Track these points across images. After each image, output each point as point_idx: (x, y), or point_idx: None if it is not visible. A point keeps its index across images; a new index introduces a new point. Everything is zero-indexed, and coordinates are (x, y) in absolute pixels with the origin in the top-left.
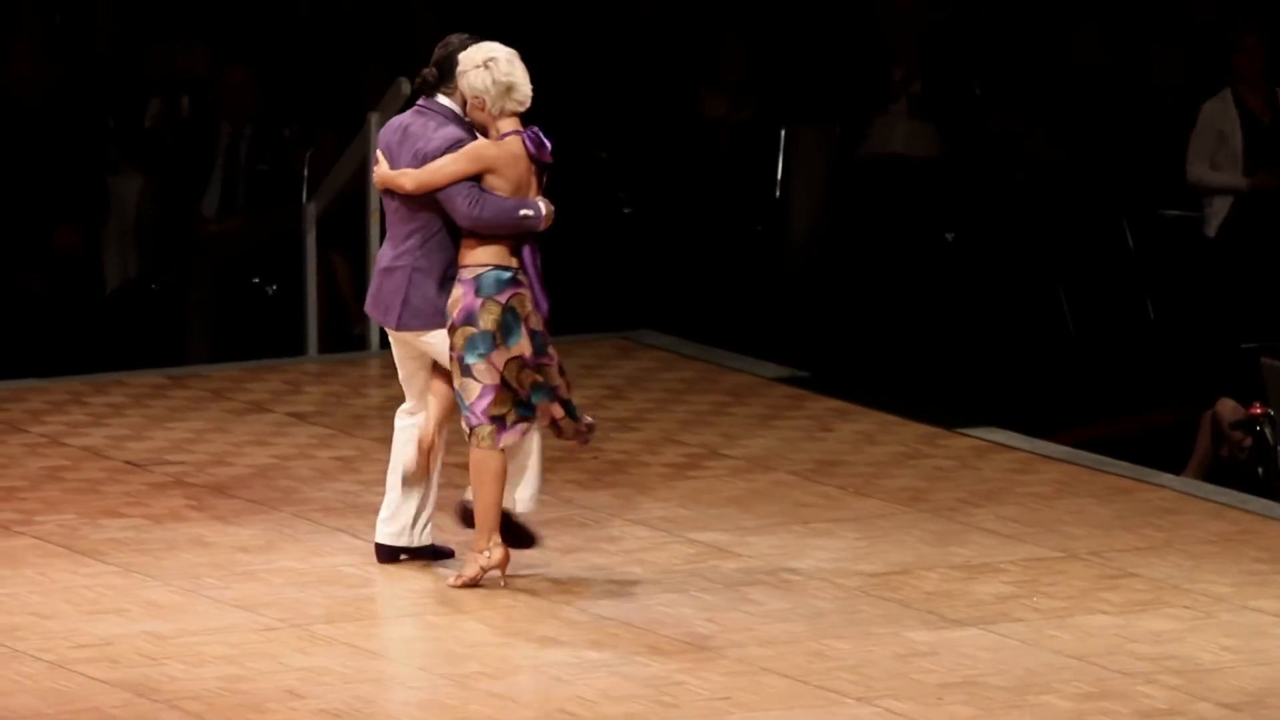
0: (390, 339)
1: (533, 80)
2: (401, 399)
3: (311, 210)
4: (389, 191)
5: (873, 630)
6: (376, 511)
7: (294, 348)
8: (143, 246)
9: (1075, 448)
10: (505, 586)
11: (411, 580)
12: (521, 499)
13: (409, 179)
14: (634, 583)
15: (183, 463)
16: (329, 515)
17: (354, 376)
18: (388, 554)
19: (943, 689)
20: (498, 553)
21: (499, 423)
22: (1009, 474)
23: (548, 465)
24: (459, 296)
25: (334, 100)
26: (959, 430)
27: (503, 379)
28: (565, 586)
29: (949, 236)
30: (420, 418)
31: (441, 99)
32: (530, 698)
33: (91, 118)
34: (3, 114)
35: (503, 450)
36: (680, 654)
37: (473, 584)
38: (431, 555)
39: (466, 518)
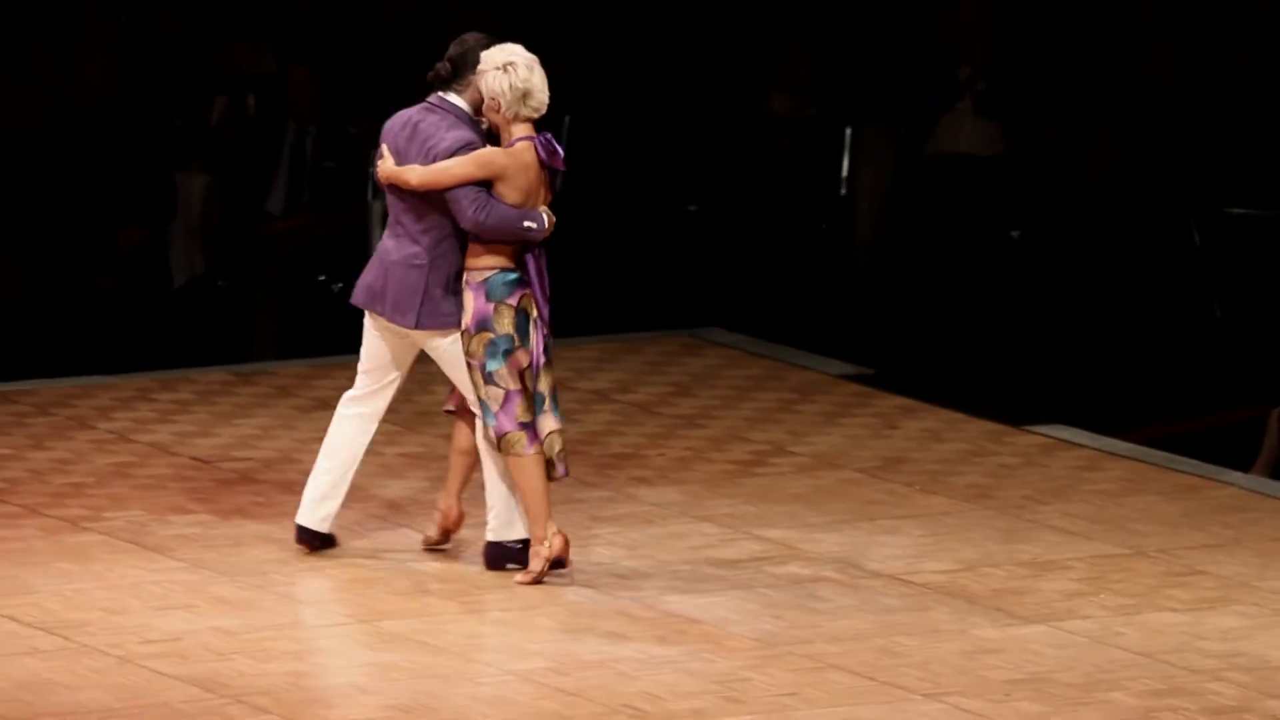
0: (377, 330)
1: (601, 78)
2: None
3: (376, 207)
4: (394, 187)
5: (940, 627)
6: None
7: (359, 344)
8: (209, 244)
9: (1142, 445)
10: (573, 581)
11: (478, 576)
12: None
13: (415, 176)
14: (701, 579)
15: (249, 459)
16: (395, 512)
17: (419, 373)
18: (312, 538)
19: (1010, 686)
20: (557, 542)
21: (528, 429)
22: (1076, 471)
23: (614, 463)
24: (469, 302)
25: (398, 98)
26: (1025, 427)
27: (522, 381)
28: (632, 583)
29: (1014, 234)
30: (371, 407)
31: (452, 97)
32: (597, 693)
33: (158, 116)
34: (70, 113)
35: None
36: (747, 650)
37: (539, 579)
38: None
39: (495, 559)
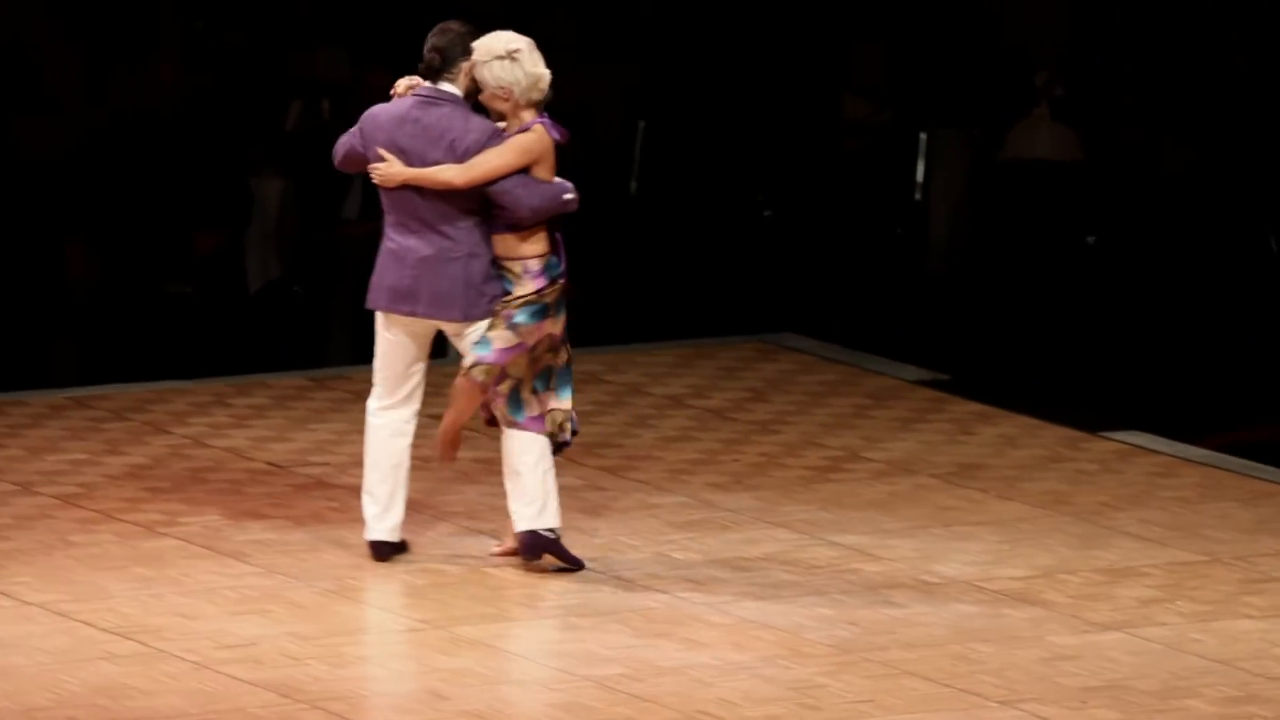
0: (399, 331)
1: (679, 86)
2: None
3: None
4: (409, 185)
5: (1016, 634)
6: None
7: (434, 349)
8: (284, 249)
9: (1218, 451)
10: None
11: (553, 582)
12: (526, 515)
13: (457, 175)
14: (775, 585)
15: (325, 464)
16: (470, 517)
17: None
18: (387, 550)
19: (1086, 693)
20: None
21: (506, 381)
22: (1152, 478)
23: (688, 468)
24: (530, 285)
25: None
26: (1101, 434)
27: (534, 347)
28: (707, 589)
29: (1090, 240)
30: (407, 409)
31: (447, 86)
32: (672, 700)
33: (233, 122)
34: (146, 118)
35: (483, 393)
36: (822, 657)
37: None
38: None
39: (532, 548)
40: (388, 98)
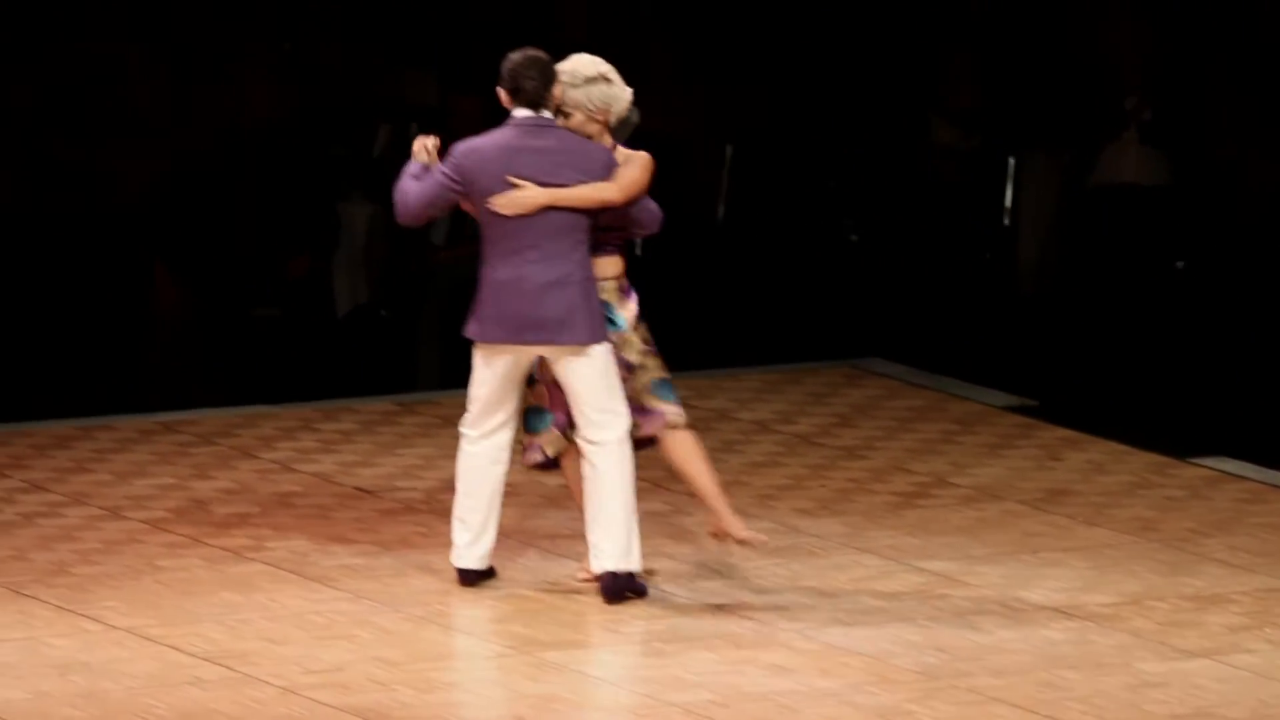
0: (509, 360)
1: (766, 109)
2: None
3: None
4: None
5: (1103, 660)
6: None
7: None
8: (372, 273)
9: None
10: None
11: (640, 607)
12: (610, 554)
13: (618, 192)
14: (862, 611)
15: (412, 489)
16: (556, 542)
17: None
18: (475, 577)
19: None
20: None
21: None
22: (1240, 504)
23: (774, 494)
24: (632, 304)
25: None
26: (1190, 460)
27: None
28: (794, 614)
29: (1179, 264)
30: (503, 437)
31: (546, 114)
32: None
33: (321, 146)
34: (235, 142)
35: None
36: (909, 683)
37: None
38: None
39: (614, 590)
40: (470, 130)
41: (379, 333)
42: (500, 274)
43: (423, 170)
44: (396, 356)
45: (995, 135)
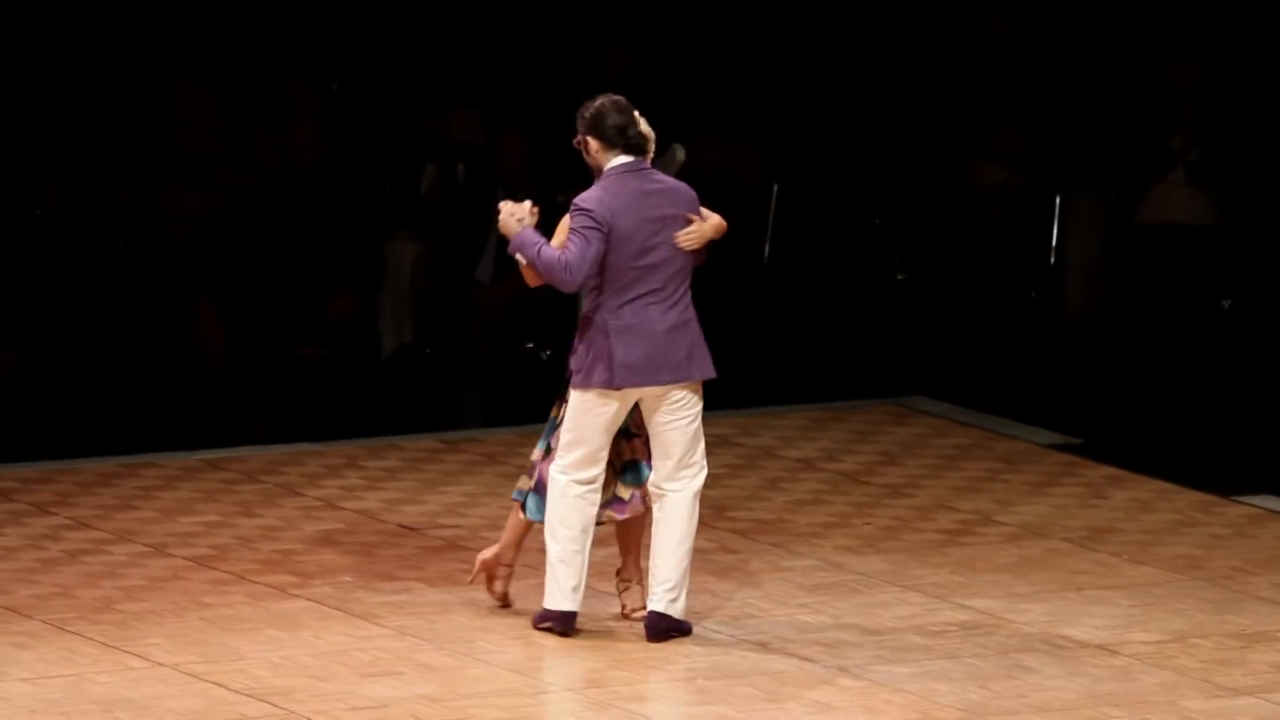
0: (623, 403)
1: (812, 148)
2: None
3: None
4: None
5: (1148, 698)
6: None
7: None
8: (417, 312)
9: None
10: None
11: (684, 644)
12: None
13: (721, 222)
14: (906, 649)
15: (457, 526)
16: (601, 579)
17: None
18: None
19: None
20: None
21: None
22: None
23: (819, 531)
24: None
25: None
26: (1235, 498)
27: None
28: (838, 652)
29: (1226, 304)
30: (597, 477)
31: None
32: None
33: (367, 185)
34: (281, 181)
35: None
36: None
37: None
38: None
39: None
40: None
41: (424, 371)
42: (624, 320)
43: (541, 235)
44: (441, 394)
45: (1041, 174)
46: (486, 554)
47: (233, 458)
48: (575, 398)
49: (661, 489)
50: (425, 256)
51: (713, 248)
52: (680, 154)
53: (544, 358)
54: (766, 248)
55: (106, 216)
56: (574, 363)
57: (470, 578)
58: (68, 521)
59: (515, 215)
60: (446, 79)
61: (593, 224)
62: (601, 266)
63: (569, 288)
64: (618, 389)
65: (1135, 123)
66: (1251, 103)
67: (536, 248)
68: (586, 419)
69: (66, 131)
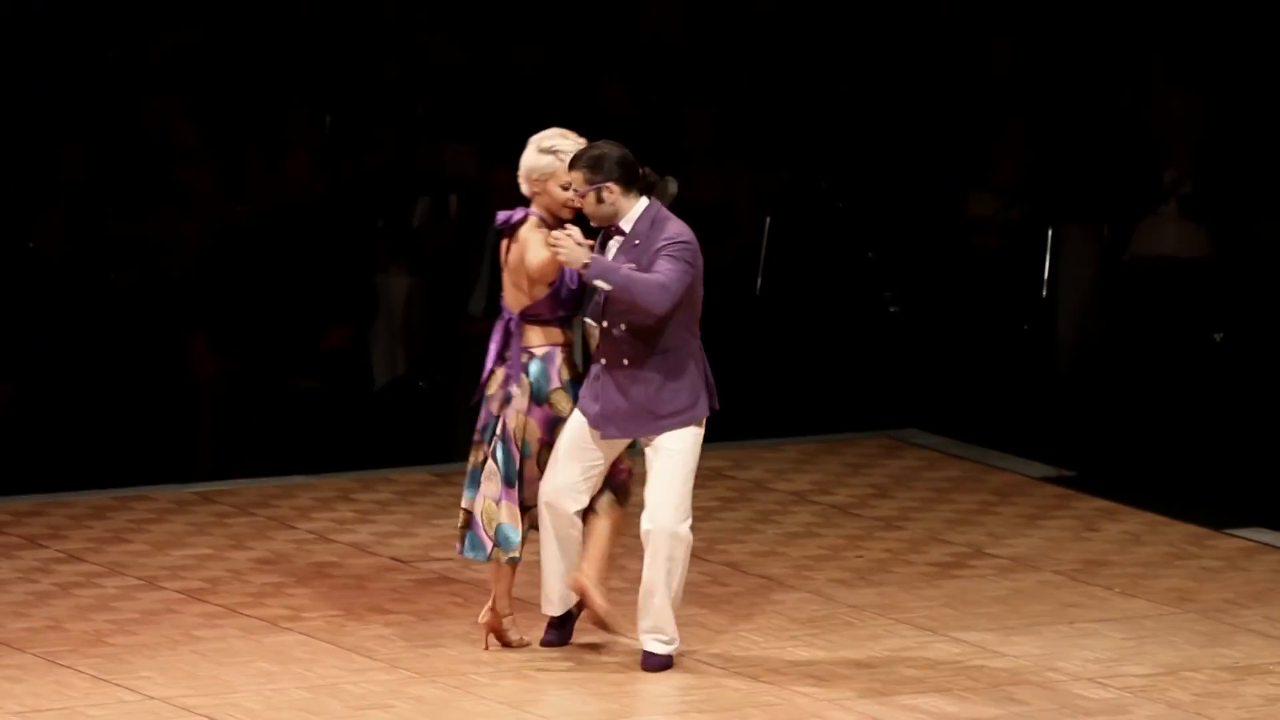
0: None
1: (803, 182)
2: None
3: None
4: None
5: None
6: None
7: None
8: (410, 344)
9: None
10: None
11: (677, 677)
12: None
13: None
14: (899, 682)
15: (449, 559)
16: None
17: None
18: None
19: None
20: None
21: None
22: (1277, 575)
23: (811, 564)
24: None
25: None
26: (1227, 531)
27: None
28: (830, 685)
29: (1218, 337)
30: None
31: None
32: None
33: (361, 218)
34: (275, 214)
35: None
36: None
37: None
38: None
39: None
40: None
41: (417, 404)
42: (699, 352)
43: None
44: (434, 427)
45: (1034, 207)
46: (483, 618)
47: (225, 490)
48: (694, 432)
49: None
50: (418, 290)
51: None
52: (673, 186)
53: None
54: (759, 280)
55: (101, 249)
56: (675, 401)
57: (484, 645)
58: (60, 554)
59: (575, 238)
60: (440, 112)
61: (691, 257)
62: (689, 302)
63: (661, 310)
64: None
65: (1128, 156)
66: (1244, 136)
67: (620, 270)
68: (699, 450)
69: (62, 164)
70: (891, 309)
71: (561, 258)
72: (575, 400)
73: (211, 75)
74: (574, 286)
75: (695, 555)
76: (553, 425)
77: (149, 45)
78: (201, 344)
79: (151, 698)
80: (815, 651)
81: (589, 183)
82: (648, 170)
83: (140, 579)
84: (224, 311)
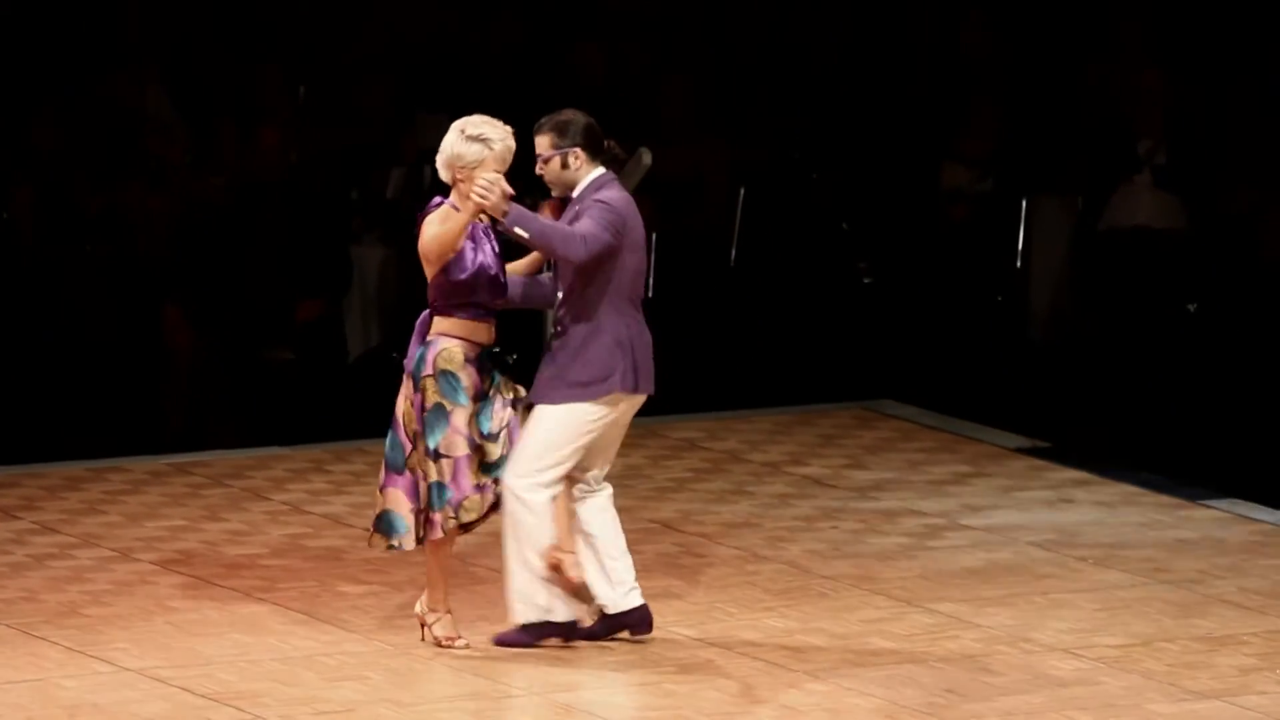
0: (628, 406)
1: (780, 153)
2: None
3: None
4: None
5: (1114, 702)
6: (617, 588)
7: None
8: (384, 316)
9: None
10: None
11: (650, 648)
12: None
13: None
14: (873, 653)
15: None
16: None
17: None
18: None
19: None
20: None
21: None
22: (1251, 546)
23: (785, 535)
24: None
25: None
26: (1201, 502)
27: None
28: (805, 656)
29: (1192, 307)
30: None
31: None
32: None
33: (335, 189)
34: (248, 186)
35: None
36: None
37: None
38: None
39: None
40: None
41: (391, 375)
42: (636, 325)
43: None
44: None
45: (1008, 178)
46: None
47: (199, 462)
48: (580, 407)
49: (601, 488)
50: (392, 261)
51: None
52: (647, 158)
53: (510, 362)
54: (733, 251)
55: (74, 221)
56: (573, 373)
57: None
58: (33, 526)
59: (498, 185)
60: (413, 83)
61: (614, 219)
62: (611, 273)
63: (577, 257)
64: (641, 394)
65: (1102, 126)
66: (1217, 106)
67: (537, 218)
68: (588, 424)
69: (34, 137)
70: (865, 280)
71: (483, 202)
72: (447, 393)
73: (184, 46)
74: (466, 274)
75: (670, 526)
76: (422, 413)
77: (121, 16)
78: (175, 315)
79: (126, 669)
80: (789, 622)
81: (555, 147)
82: (613, 143)
83: (114, 550)
84: (198, 283)
